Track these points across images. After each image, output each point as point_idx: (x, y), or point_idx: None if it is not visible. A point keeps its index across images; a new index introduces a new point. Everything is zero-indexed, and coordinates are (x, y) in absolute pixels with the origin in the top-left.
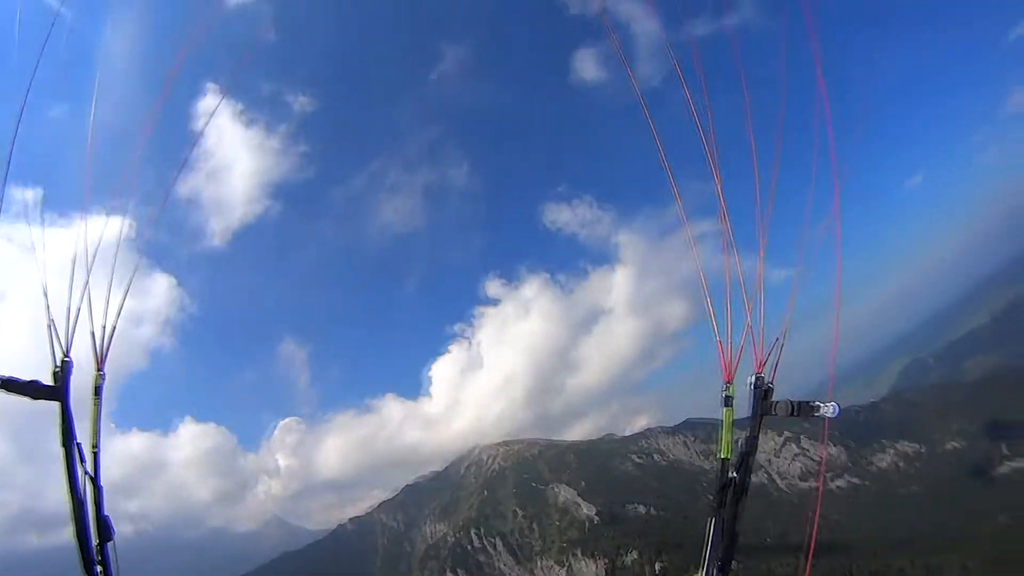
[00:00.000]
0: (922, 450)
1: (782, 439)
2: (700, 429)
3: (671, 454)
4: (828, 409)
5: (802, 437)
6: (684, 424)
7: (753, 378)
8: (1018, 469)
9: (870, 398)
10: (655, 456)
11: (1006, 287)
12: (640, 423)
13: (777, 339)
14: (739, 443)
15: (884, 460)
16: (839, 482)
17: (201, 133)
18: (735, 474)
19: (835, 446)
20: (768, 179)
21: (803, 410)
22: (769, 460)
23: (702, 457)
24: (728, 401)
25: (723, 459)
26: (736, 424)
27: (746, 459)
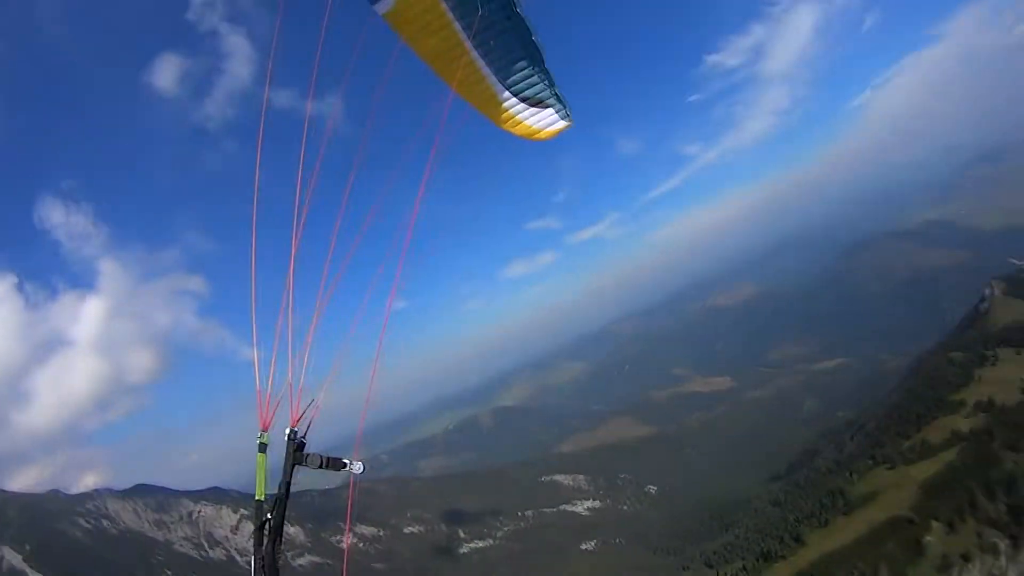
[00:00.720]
0: (381, 533)
1: (238, 516)
2: (151, 496)
3: (122, 521)
4: (356, 467)
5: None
6: (136, 489)
7: (288, 431)
8: (476, 549)
9: (326, 485)
10: (104, 522)
11: (464, 407)
12: (88, 481)
13: (313, 400)
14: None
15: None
16: (301, 560)
17: None
18: (270, 516)
19: (293, 526)
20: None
21: (332, 464)
22: (227, 537)
23: (155, 527)
24: (262, 448)
25: (258, 501)
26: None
27: (280, 503)
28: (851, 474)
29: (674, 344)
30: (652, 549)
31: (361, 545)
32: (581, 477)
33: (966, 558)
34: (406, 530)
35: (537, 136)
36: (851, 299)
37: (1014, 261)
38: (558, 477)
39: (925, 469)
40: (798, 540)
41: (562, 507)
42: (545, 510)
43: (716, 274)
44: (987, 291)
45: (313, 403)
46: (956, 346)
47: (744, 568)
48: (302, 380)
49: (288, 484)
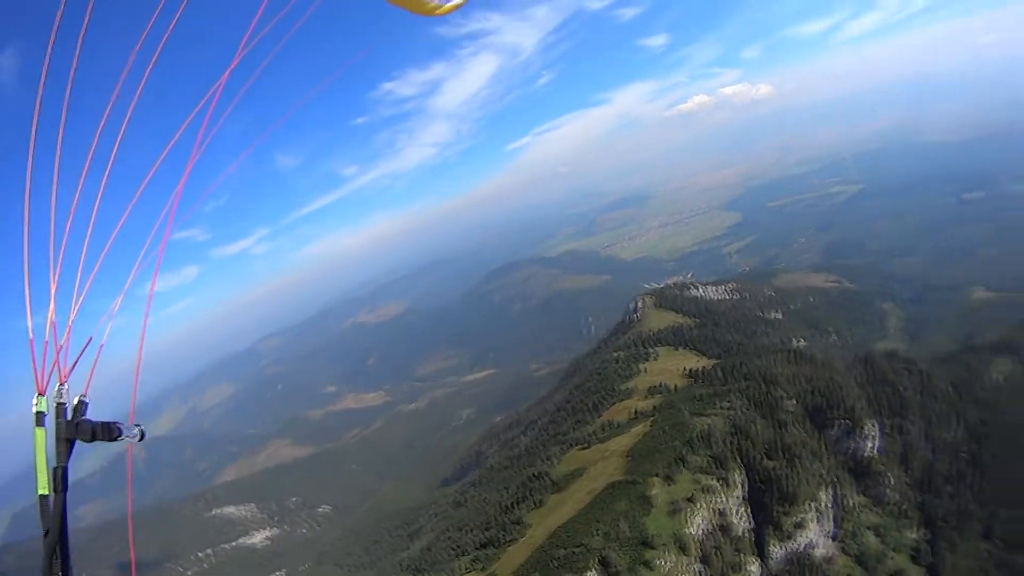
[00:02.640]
0: None
1: None
2: None
3: None
4: (133, 432)
5: None
6: None
7: (57, 389)
8: None
9: (16, 537)
10: None
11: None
12: None
13: (90, 339)
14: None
15: None
16: None
17: None
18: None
19: None
20: None
21: (105, 433)
22: None
23: None
24: (40, 419)
25: (41, 496)
26: None
27: (60, 500)
28: (548, 459)
29: (324, 361)
30: (344, 568)
31: None
32: (252, 506)
33: (691, 500)
34: None
35: (436, 12)
36: (496, 316)
37: (646, 285)
38: (228, 509)
39: (623, 443)
40: (519, 523)
41: (240, 540)
42: (223, 546)
43: (363, 293)
44: (639, 304)
45: (90, 344)
46: (615, 348)
47: (476, 559)
48: (75, 310)
49: (64, 472)
